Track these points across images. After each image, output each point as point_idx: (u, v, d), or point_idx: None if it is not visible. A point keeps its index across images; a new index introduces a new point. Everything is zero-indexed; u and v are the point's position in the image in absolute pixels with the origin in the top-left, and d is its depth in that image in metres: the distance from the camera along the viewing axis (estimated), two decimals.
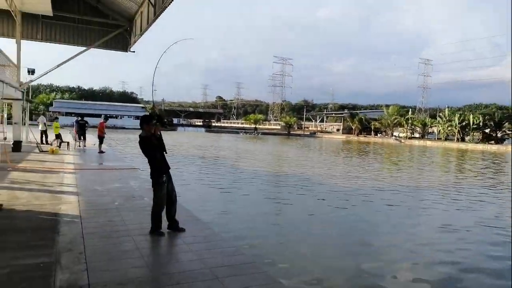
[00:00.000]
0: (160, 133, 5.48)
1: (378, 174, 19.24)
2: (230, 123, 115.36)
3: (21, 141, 17.19)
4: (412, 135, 78.51)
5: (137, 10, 17.51)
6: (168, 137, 5.59)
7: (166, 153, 5.53)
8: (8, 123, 23.39)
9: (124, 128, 76.69)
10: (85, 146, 19.92)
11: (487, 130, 69.62)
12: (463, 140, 68.70)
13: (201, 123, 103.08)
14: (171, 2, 12.30)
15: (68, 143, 19.02)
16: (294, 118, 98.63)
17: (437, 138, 74.14)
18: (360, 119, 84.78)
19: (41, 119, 21.89)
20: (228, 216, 9.18)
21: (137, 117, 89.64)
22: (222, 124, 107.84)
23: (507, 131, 69.22)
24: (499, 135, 68.83)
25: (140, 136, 5.41)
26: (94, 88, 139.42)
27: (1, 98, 12.42)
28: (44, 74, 20.29)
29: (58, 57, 51.20)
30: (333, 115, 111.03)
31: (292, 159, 26.23)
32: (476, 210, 11.33)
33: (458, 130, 69.42)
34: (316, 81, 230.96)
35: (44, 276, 3.80)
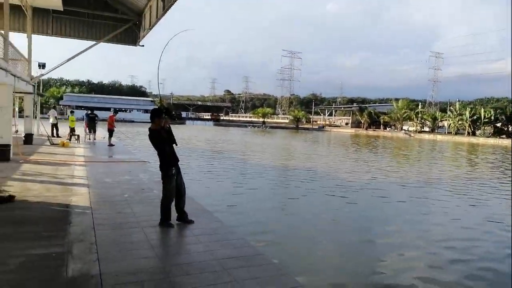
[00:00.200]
0: (169, 126, 5.53)
1: (388, 169, 19.14)
2: (238, 116, 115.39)
3: (33, 134, 17.45)
4: (422, 129, 77.71)
5: (146, 4, 17.54)
6: (176, 131, 5.61)
7: (176, 145, 5.58)
8: (19, 116, 23.76)
9: (133, 121, 77.23)
10: (95, 139, 20.15)
11: (499, 124, 68.63)
12: (474, 134, 67.83)
13: (209, 117, 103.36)
14: None
15: (78, 136, 19.24)
16: (303, 112, 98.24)
17: (448, 132, 73.30)
18: (369, 113, 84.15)
19: (52, 112, 22.16)
20: (237, 209, 9.23)
21: (146, 111, 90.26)
22: (230, 118, 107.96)
23: None
24: (510, 129, 67.75)
25: (149, 129, 5.46)
26: (103, 82, 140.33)
27: (13, 92, 12.58)
28: (55, 68, 20.55)
29: (68, 51, 51.75)
30: (342, 109, 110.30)
31: (301, 153, 26.20)
32: (489, 206, 11.23)
33: (469, 124, 68.50)
34: (325, 75, 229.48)
35: (56, 265, 3.88)
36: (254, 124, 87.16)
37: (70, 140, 18.58)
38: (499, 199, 12.26)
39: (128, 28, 20.31)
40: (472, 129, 68.87)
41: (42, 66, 21.22)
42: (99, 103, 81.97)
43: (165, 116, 5.41)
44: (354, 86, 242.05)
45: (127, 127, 47.48)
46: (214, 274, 3.89)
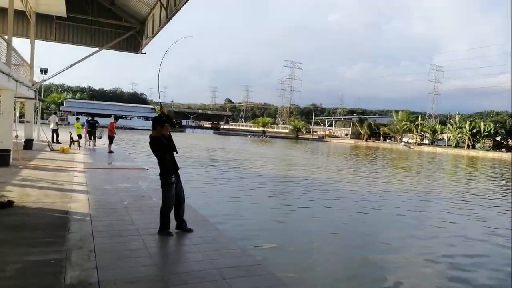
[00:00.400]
0: (170, 134, 5.53)
1: (388, 181, 19.12)
2: (239, 125, 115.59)
3: (33, 140, 17.45)
4: (422, 142, 77.79)
5: (149, 12, 17.71)
6: (176, 139, 5.61)
7: (177, 153, 5.59)
8: (19, 122, 23.79)
9: (133, 128, 77.35)
10: (95, 145, 20.15)
11: (498, 138, 68.76)
12: (473, 147, 67.89)
13: (209, 125, 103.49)
14: (183, 5, 12.41)
15: (78, 142, 19.24)
16: (303, 122, 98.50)
17: (447, 145, 73.36)
18: (369, 124, 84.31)
19: (53, 118, 22.19)
20: (236, 218, 9.19)
21: (146, 118, 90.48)
22: (231, 127, 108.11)
23: None
24: (510, 143, 67.87)
25: (150, 136, 5.47)
26: (104, 89, 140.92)
27: (15, 97, 12.62)
28: (57, 74, 20.60)
29: (70, 57, 52.10)
30: (342, 119, 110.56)
31: (301, 163, 26.18)
32: (489, 219, 11.19)
33: (469, 137, 68.59)
34: (325, 85, 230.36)
35: (54, 272, 3.86)
36: (254, 133, 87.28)
37: (70, 146, 18.57)
38: (499, 213, 12.22)
39: (130, 36, 20.47)
40: (472, 142, 68.93)
41: (44, 71, 21.29)
42: (100, 109, 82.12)
43: (166, 124, 5.42)
44: (355, 97, 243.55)
45: (127, 134, 47.53)
46: (213, 283, 3.87)
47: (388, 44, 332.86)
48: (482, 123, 69.24)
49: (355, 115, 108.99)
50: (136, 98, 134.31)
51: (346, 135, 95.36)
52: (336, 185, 15.91)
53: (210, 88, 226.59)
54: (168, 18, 14.44)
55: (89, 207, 6.74)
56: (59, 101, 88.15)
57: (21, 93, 14.75)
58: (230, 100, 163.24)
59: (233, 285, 3.84)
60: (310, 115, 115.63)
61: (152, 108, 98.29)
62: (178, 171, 5.62)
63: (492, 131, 66.98)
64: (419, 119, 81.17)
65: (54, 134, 21.16)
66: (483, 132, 67.05)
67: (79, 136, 19.71)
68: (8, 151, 11.50)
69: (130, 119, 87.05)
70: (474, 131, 68.18)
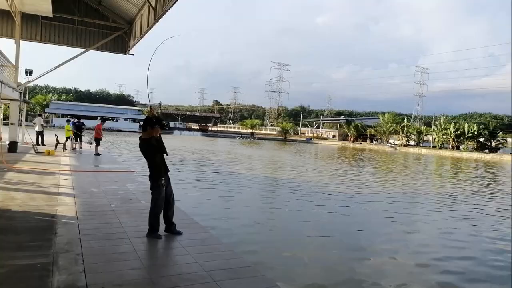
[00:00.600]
0: (160, 135, 5.50)
1: (376, 182, 19.32)
2: (227, 127, 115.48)
3: (17, 142, 17.13)
4: (407, 143, 78.90)
5: (137, 13, 17.58)
6: (164, 141, 5.59)
7: (167, 154, 5.55)
8: (3, 124, 23.31)
9: (120, 130, 76.57)
10: (81, 147, 19.88)
11: (482, 139, 70.17)
12: (458, 148, 69.14)
13: (197, 127, 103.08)
14: (171, 6, 12.35)
15: (64, 144, 18.94)
16: (291, 124, 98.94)
17: (432, 146, 74.53)
18: (356, 126, 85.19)
19: (38, 120, 21.79)
20: (225, 221, 9.17)
21: (133, 120, 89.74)
22: (219, 129, 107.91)
23: (501, 140, 69.89)
24: (493, 144, 69.36)
25: (140, 138, 5.43)
26: (90, 90, 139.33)
27: None
28: (42, 76, 20.29)
29: (56, 58, 51.27)
30: (330, 121, 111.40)
31: (289, 165, 26.27)
32: (474, 219, 11.40)
33: (453, 138, 69.86)
34: (313, 87, 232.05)
35: (41, 276, 3.79)
36: (242, 135, 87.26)
37: (63, 148, 18.25)
38: (485, 214, 12.45)
39: (118, 37, 20.28)
40: (456, 144, 70.22)
41: (29, 72, 20.93)
42: (86, 111, 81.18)
43: (155, 125, 5.39)
44: (342, 99, 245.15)
45: (114, 136, 47.02)
46: (204, 286, 3.85)
47: (375, 46, 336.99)
48: (466, 125, 70.61)
49: (342, 117, 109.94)
50: (123, 100, 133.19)
51: (334, 136, 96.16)
52: (325, 187, 16.00)
53: (198, 89, 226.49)
54: (156, 19, 14.35)
55: (76, 210, 6.65)
56: (44, 103, 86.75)
57: (5, 95, 14.50)
58: (218, 102, 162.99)
59: (224, 287, 3.82)
60: (298, 116, 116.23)
61: (139, 110, 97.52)
62: (168, 173, 5.60)
63: (475, 133, 68.33)
64: (405, 120, 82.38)
65: (39, 136, 20.80)
66: (467, 134, 68.36)
67: (68, 138, 19.40)
68: None
69: (117, 121, 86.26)
70: (458, 132, 69.49)
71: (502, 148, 69.09)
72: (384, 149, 66.53)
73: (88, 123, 29.83)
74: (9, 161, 12.35)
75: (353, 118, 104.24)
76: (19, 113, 19.46)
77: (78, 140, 19.87)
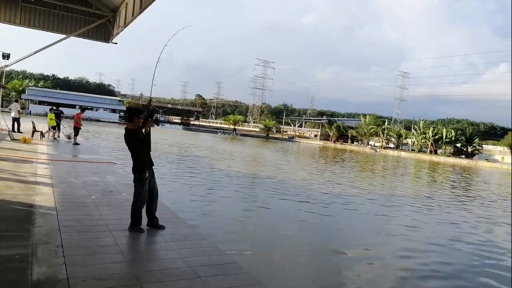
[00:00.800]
0: (150, 130, 5.35)
1: (353, 182, 19.58)
2: (209, 122, 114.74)
3: None
4: (387, 145, 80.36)
5: (122, 1, 17.16)
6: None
7: (150, 150, 5.41)
8: None
9: (99, 120, 74.99)
10: (59, 136, 19.35)
11: (459, 145, 72.24)
12: (435, 152, 70.91)
13: (179, 121, 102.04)
14: None
15: (41, 132, 18.39)
16: (273, 121, 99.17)
17: (411, 150, 76.16)
18: (338, 126, 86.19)
19: (14, 106, 21.05)
20: (208, 216, 9.11)
21: (113, 110, 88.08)
22: (201, 123, 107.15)
23: (477, 146, 72.11)
24: (469, 150, 71.50)
25: (126, 128, 5.29)
26: (69, 78, 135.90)
27: None
28: (20, 60, 19.58)
29: (35, 43, 49.54)
30: (312, 120, 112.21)
31: (272, 163, 26.33)
32: (452, 223, 11.69)
33: (432, 143, 71.60)
34: (297, 86, 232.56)
35: (20, 268, 3.65)
36: (224, 131, 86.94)
37: (32, 136, 17.71)
38: (463, 217, 12.80)
39: (101, 24, 19.74)
40: (434, 148, 72.02)
41: (6, 56, 20.22)
42: (64, 99, 79.13)
43: (148, 119, 5.25)
44: (325, 99, 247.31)
45: (93, 126, 46.04)
46: (188, 281, 3.80)
47: (360, 49, 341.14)
48: (444, 130, 72.55)
49: (324, 117, 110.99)
50: (103, 89, 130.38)
51: (315, 136, 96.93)
52: (308, 186, 16.10)
53: (181, 82, 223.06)
54: (142, 8, 14.03)
55: (55, 201, 6.46)
56: (21, 89, 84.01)
57: None
58: (201, 96, 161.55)
59: (208, 284, 3.78)
60: (280, 114, 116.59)
61: (119, 100, 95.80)
62: (153, 167, 5.49)
63: (453, 138, 70.30)
64: (386, 123, 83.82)
65: (15, 122, 20.12)
66: (445, 139, 70.25)
67: (53, 128, 18.83)
68: None
69: (96, 110, 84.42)
70: (437, 137, 71.33)
71: (477, 154, 71.30)
72: (365, 151, 67.53)
73: (66, 111, 29.06)
74: None
75: (335, 118, 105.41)
76: None
77: (56, 128, 19.32)
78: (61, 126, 19.81)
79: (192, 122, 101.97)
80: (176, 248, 4.77)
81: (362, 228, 9.87)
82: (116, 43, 20.64)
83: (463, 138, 71.34)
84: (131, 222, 5.36)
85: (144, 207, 5.45)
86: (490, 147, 75.75)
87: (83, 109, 19.34)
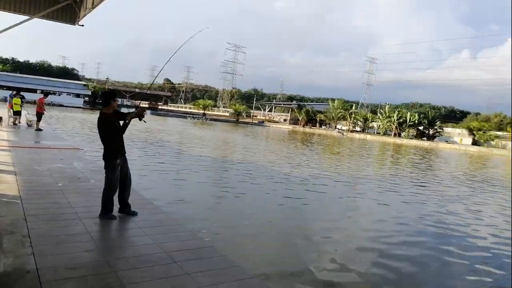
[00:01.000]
0: (130, 121, 5.20)
1: (321, 164, 19.96)
2: (178, 107, 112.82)
3: None
4: (354, 129, 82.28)
5: None
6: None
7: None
8: None
9: (62, 105, 72.01)
10: (19, 122, 18.43)
11: (421, 128, 75.24)
12: (399, 135, 73.42)
13: (147, 105, 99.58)
14: None
15: (1, 118, 17.43)
16: (243, 106, 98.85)
17: (377, 133, 78.42)
18: (307, 111, 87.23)
19: None
20: (180, 201, 9.03)
21: (77, 95, 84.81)
22: (169, 108, 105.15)
23: (438, 129, 75.38)
24: (431, 132, 74.61)
25: (101, 112, 5.09)
26: (30, 61, 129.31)
27: None
28: None
29: None
30: (282, 105, 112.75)
31: (243, 147, 26.34)
32: (416, 203, 12.19)
33: (396, 126, 73.99)
34: (268, 71, 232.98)
35: None
36: (194, 116, 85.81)
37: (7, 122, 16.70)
38: (429, 196, 13.38)
39: (67, 5, 18.71)
40: (398, 131, 74.52)
41: None
42: (25, 83, 75.31)
43: (134, 112, 5.13)
44: (294, 84, 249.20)
45: (56, 111, 44.17)
46: (164, 267, 3.76)
47: (329, 34, 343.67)
48: (408, 114, 75.15)
49: (294, 102, 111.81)
50: (66, 73, 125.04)
51: (285, 120, 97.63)
52: (278, 169, 16.25)
53: (149, 66, 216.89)
54: None
55: (19, 189, 6.17)
56: None
57: None
58: (170, 80, 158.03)
59: (185, 268, 3.76)
60: (251, 99, 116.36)
61: (84, 85, 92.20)
62: (125, 154, 5.36)
63: (416, 121, 73.06)
64: (353, 107, 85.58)
65: None
66: (409, 122, 72.83)
67: (16, 114, 17.83)
68: None
69: (59, 95, 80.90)
70: (401, 120, 73.83)
71: (438, 136, 74.55)
72: (332, 134, 68.87)
73: (27, 96, 27.70)
74: None
75: (304, 103, 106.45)
76: None
77: (17, 114, 18.36)
78: (23, 112, 18.85)
79: (160, 107, 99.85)
80: (150, 234, 4.71)
81: (332, 209, 10.12)
82: (82, 25, 19.69)
83: (426, 121, 74.30)
84: (102, 209, 5.22)
85: (116, 194, 5.32)
86: (449, 129, 79.24)
87: (46, 93, 18.48)
